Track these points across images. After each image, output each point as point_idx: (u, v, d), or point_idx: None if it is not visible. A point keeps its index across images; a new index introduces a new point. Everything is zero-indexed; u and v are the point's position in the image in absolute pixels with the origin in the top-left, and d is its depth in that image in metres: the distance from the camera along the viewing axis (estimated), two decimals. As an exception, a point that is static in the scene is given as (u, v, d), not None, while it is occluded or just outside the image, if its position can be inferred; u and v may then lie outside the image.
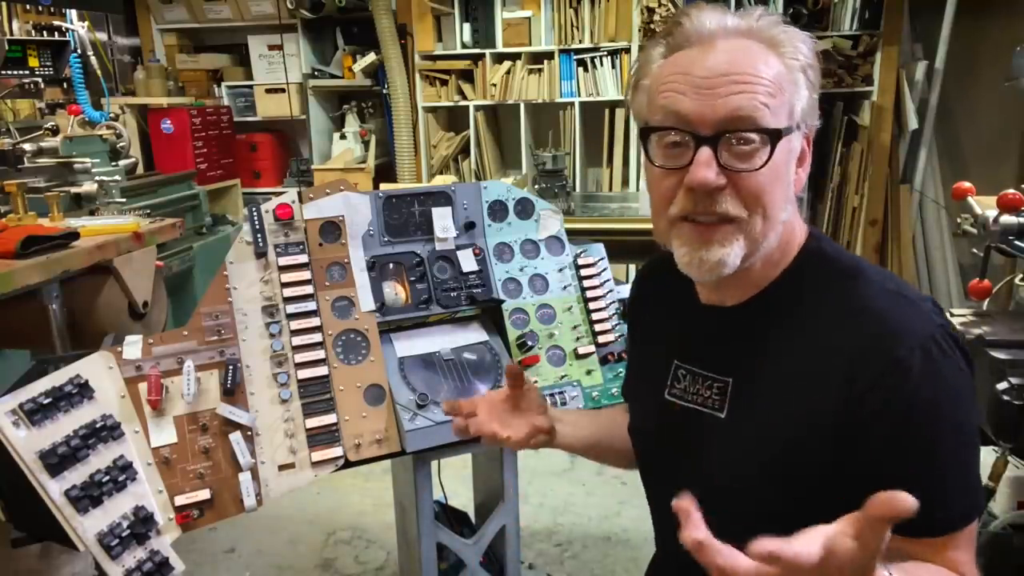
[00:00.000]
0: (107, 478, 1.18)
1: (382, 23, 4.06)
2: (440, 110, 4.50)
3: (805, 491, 0.82)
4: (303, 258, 1.44)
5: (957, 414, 0.79)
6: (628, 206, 3.20)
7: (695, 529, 0.58)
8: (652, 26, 3.87)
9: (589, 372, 1.59)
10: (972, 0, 3.74)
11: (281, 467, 1.33)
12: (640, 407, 1.08)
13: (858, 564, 0.55)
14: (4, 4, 3.59)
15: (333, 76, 4.57)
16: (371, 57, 4.27)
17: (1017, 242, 1.70)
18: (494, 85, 4.23)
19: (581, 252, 1.68)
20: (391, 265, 1.53)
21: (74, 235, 2.11)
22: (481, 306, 1.58)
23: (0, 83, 3.34)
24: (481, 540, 1.59)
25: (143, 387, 1.27)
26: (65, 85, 3.43)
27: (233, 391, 1.33)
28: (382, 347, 1.45)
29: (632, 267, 3.37)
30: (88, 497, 1.15)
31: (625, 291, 1.62)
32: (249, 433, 1.32)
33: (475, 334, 1.57)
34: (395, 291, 1.51)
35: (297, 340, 1.39)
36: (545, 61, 4.15)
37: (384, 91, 4.31)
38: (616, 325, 1.63)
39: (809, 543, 0.55)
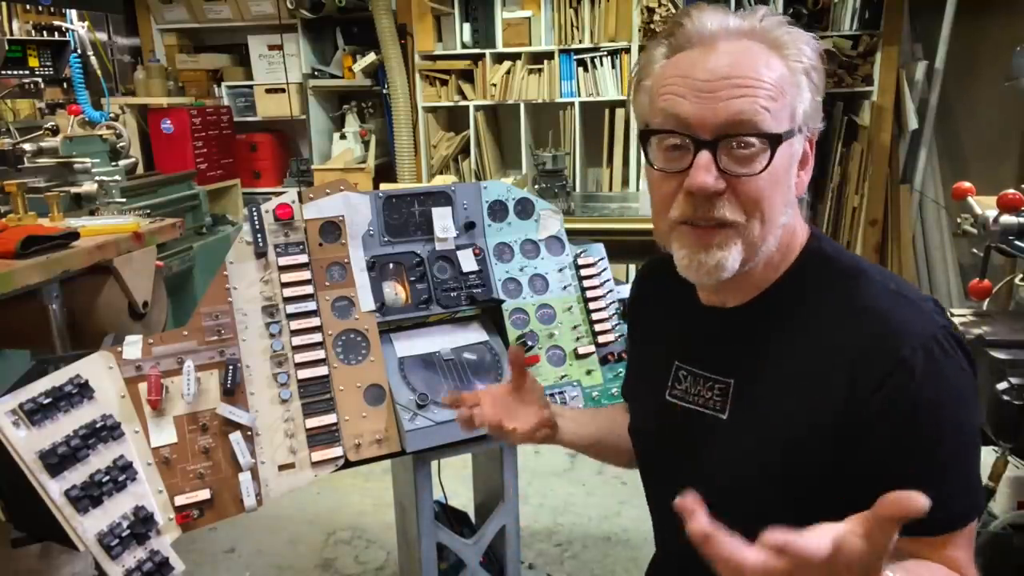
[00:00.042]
0: (107, 478, 1.18)
1: (382, 23, 4.05)
2: (440, 110, 4.50)
3: (806, 491, 0.82)
4: (303, 258, 1.44)
5: (959, 414, 0.79)
6: (628, 206, 3.20)
7: (701, 522, 0.57)
8: (652, 26, 3.86)
9: (589, 372, 1.59)
10: (972, 0, 3.74)
11: (281, 467, 1.33)
12: (640, 407, 1.08)
13: (865, 563, 0.55)
14: (4, 4, 3.59)
15: (333, 76, 4.57)
16: (371, 57, 4.27)
17: (1017, 242, 1.70)
18: (494, 85, 4.23)
19: (581, 252, 1.68)
20: (391, 265, 1.53)
21: (74, 235, 2.11)
22: (481, 306, 1.58)
23: (0, 83, 3.33)
24: (481, 540, 1.59)
25: (143, 387, 1.27)
26: (65, 85, 3.42)
27: (233, 391, 1.33)
28: (382, 347, 1.45)
29: (632, 267, 3.36)
30: (88, 497, 1.16)
31: (625, 291, 1.62)
32: (249, 433, 1.32)
33: (475, 334, 1.57)
34: (395, 291, 1.51)
35: (297, 340, 1.40)
36: (545, 61, 4.15)
37: (384, 91, 4.31)
38: (616, 325, 1.63)
39: (819, 538, 0.55)
